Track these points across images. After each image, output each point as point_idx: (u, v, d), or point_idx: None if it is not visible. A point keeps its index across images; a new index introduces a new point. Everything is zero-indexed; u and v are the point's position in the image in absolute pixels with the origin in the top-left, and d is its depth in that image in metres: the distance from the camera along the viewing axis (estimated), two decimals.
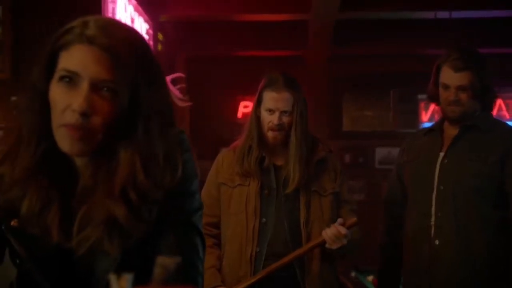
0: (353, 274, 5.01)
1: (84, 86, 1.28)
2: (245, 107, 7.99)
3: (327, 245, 2.82)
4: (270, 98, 2.91)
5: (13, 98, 4.46)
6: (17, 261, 1.39)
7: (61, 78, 1.31)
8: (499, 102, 7.70)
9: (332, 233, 2.79)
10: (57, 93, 1.31)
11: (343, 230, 2.79)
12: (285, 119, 2.90)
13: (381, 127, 7.93)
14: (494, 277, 2.86)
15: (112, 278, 0.96)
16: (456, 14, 6.15)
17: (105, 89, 1.29)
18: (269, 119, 2.91)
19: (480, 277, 2.86)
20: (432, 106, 7.83)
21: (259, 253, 2.87)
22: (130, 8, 4.90)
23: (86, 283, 1.37)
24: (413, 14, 6.34)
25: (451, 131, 2.99)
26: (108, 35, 1.30)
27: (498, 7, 5.94)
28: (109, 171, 1.32)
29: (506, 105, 7.71)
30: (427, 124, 7.73)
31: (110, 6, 4.58)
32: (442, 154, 2.97)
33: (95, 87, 1.29)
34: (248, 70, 7.57)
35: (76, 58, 1.30)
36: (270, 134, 2.92)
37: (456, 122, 2.96)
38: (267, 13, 6.38)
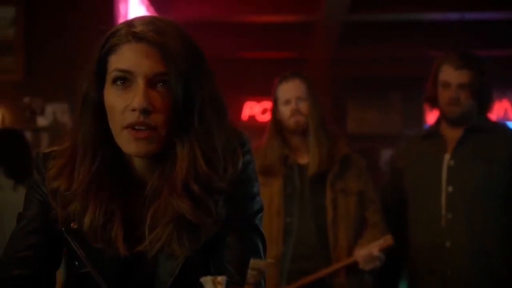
0: None
1: (140, 83, 1.27)
2: (249, 109, 7.97)
3: (360, 266, 2.81)
4: (284, 89, 2.96)
5: (26, 99, 4.43)
6: (76, 263, 1.36)
7: (115, 80, 1.29)
8: (506, 105, 7.72)
9: (365, 255, 2.79)
10: (113, 96, 1.29)
11: (375, 252, 2.78)
12: (302, 104, 2.92)
13: (387, 128, 7.92)
14: (509, 275, 2.85)
15: (207, 280, 0.94)
16: (468, 16, 6.14)
17: (160, 84, 1.28)
18: (287, 109, 2.94)
19: (496, 276, 2.86)
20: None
21: (284, 253, 2.85)
22: (142, 9, 4.89)
23: (147, 286, 1.34)
24: (422, 16, 6.32)
25: (451, 134, 2.97)
26: (155, 30, 1.28)
27: (508, 9, 5.93)
28: (172, 168, 1.30)
29: None
30: None
31: (122, 6, 4.57)
32: (447, 156, 2.95)
33: (150, 82, 1.27)
34: (253, 71, 7.56)
35: (126, 57, 1.28)
36: (291, 120, 2.93)
37: (455, 124, 2.95)
38: (276, 15, 6.35)
